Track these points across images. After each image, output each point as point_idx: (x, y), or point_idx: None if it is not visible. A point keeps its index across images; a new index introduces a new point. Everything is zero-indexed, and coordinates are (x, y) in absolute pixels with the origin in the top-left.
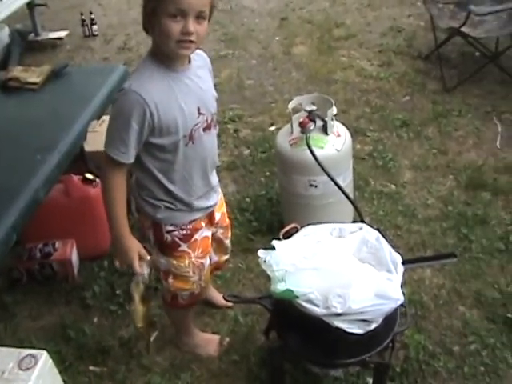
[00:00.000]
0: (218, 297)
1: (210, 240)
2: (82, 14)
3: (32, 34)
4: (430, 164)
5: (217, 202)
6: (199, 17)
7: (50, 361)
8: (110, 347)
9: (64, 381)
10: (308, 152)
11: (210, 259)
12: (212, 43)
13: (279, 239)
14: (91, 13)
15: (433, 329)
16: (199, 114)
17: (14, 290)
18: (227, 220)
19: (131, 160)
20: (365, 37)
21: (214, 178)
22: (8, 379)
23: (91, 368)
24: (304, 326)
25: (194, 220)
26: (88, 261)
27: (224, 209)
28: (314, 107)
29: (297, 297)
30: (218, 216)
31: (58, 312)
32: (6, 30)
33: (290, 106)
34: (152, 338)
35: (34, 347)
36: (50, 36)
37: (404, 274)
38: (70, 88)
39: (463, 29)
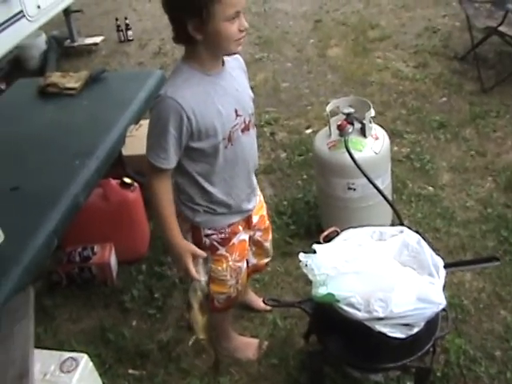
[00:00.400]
0: (257, 300)
1: (247, 243)
2: (117, 20)
3: (68, 40)
4: (469, 166)
5: (255, 204)
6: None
7: (91, 364)
8: (148, 351)
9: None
10: (346, 155)
11: (248, 262)
12: (247, 46)
13: (319, 243)
14: (126, 18)
15: (473, 333)
16: (237, 115)
17: (54, 294)
18: (267, 222)
19: (172, 165)
20: (400, 38)
21: (255, 180)
22: (50, 381)
23: (130, 371)
24: (345, 329)
25: (232, 223)
26: (126, 264)
27: (263, 211)
28: (352, 110)
29: (338, 301)
30: (255, 219)
31: (97, 315)
32: (43, 37)
33: (328, 108)
34: (190, 343)
35: (74, 350)
36: (85, 42)
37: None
38: (108, 93)
39: (500, 28)
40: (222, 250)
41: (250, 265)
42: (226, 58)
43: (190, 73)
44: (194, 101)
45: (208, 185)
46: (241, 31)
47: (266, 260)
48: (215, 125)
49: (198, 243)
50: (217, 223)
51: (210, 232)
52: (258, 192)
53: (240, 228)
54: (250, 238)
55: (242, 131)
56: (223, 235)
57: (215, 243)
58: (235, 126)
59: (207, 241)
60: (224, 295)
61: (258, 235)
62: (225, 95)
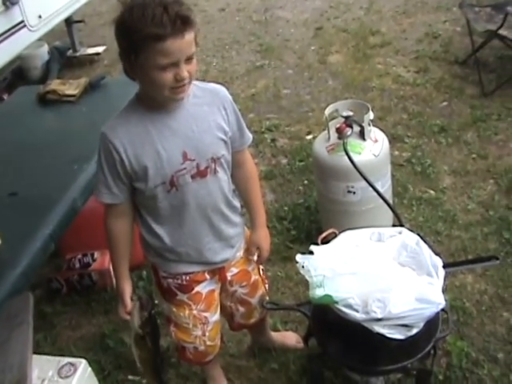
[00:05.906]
0: (283, 338)
1: (217, 294)
2: None
3: (70, 50)
4: (470, 169)
5: (230, 258)
6: (189, 59)
7: (89, 369)
8: None
9: None
10: (346, 158)
11: (233, 318)
12: (248, 54)
13: (317, 244)
14: None
15: (476, 335)
16: (185, 159)
17: (54, 301)
18: (253, 277)
19: (118, 200)
20: (400, 44)
21: (231, 230)
22: None
23: (130, 377)
24: (344, 332)
25: (191, 272)
26: None
27: (249, 266)
28: (351, 113)
29: (336, 302)
30: (233, 272)
31: (97, 322)
32: (45, 47)
33: (327, 112)
34: None
35: (73, 356)
36: (87, 52)
37: (445, 279)
38: (107, 99)
39: (501, 31)
40: (182, 296)
41: (235, 323)
42: (193, 93)
43: (135, 109)
44: (128, 139)
45: (156, 225)
46: (178, 80)
47: (253, 320)
48: (150, 166)
49: (158, 283)
50: (171, 269)
51: (165, 275)
52: (240, 244)
53: (207, 277)
54: (232, 294)
55: (193, 177)
56: (180, 281)
57: (173, 288)
58: (180, 170)
59: (165, 283)
60: (190, 345)
61: (240, 292)
62: (171, 136)
